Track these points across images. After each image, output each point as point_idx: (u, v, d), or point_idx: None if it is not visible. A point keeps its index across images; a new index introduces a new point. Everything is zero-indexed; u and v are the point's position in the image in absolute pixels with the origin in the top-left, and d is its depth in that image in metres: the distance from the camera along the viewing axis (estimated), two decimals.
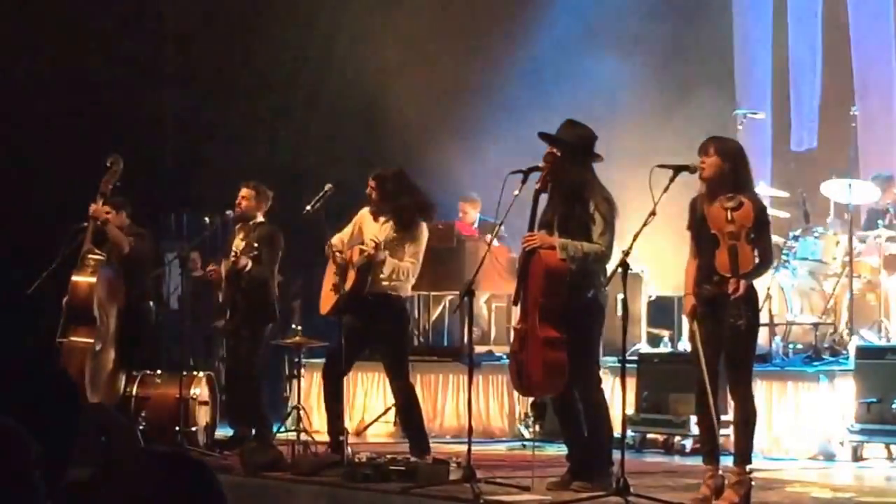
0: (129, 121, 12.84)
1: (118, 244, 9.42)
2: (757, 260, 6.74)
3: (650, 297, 11.18)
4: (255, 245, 9.23)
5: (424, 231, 8.56)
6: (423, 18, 13.26)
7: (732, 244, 6.69)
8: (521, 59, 13.22)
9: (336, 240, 8.65)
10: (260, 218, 9.51)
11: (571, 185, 7.25)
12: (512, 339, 7.61)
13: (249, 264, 9.22)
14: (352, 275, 8.43)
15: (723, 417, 7.49)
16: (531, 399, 8.63)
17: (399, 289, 8.47)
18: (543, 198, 7.37)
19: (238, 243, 9.43)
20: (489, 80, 13.25)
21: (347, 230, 8.72)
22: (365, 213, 8.68)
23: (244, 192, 9.51)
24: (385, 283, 8.41)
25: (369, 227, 8.57)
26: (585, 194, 7.25)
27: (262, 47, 14.15)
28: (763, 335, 8.55)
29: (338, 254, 8.48)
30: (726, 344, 6.78)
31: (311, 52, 14.05)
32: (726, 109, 11.99)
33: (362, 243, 8.47)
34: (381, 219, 8.55)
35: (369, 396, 11.43)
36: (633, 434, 9.44)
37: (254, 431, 9.43)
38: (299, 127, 14.29)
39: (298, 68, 14.34)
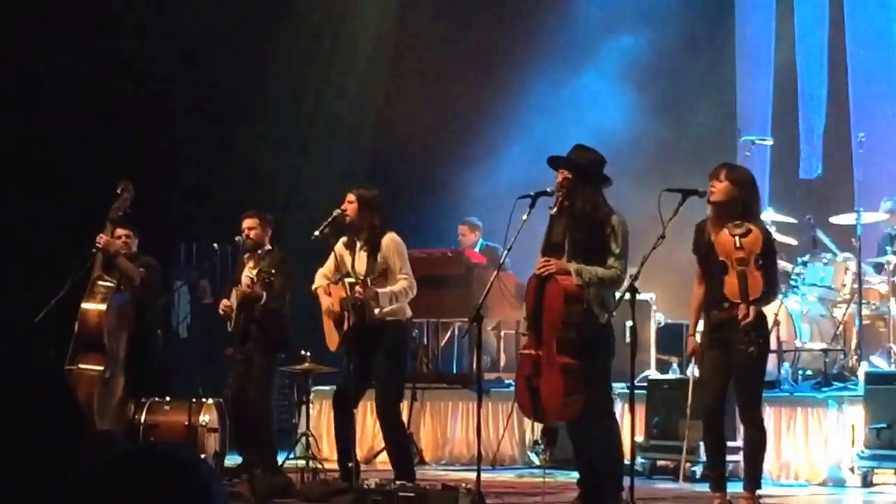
0: (137, 148, 12.87)
1: (130, 277, 9.39)
2: (765, 287, 6.76)
3: (659, 323, 11.16)
4: (272, 272, 9.16)
5: (400, 242, 8.40)
6: (434, 47, 13.32)
7: (742, 270, 6.71)
8: (530, 85, 13.27)
9: (321, 277, 8.53)
10: (268, 245, 9.50)
11: (585, 208, 7.20)
12: (519, 364, 7.54)
13: (265, 296, 9.17)
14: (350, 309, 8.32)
15: (732, 443, 7.48)
16: (542, 425, 8.61)
17: (398, 312, 8.32)
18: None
19: (249, 272, 9.38)
20: (499, 105, 13.29)
21: (330, 263, 8.53)
22: (340, 246, 8.49)
23: (248, 222, 9.41)
24: (386, 310, 8.30)
25: (347, 261, 8.41)
26: (600, 218, 7.17)
27: (274, 76, 14.19)
28: (772, 361, 8.54)
29: (326, 298, 8.39)
30: (736, 369, 6.78)
31: (324, 80, 14.11)
32: (727, 135, 12.01)
33: (348, 275, 8.34)
34: (357, 246, 8.39)
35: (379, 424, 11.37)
36: (642, 461, 9.41)
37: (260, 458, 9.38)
38: (310, 154, 14.32)
39: (310, 95, 14.38)
